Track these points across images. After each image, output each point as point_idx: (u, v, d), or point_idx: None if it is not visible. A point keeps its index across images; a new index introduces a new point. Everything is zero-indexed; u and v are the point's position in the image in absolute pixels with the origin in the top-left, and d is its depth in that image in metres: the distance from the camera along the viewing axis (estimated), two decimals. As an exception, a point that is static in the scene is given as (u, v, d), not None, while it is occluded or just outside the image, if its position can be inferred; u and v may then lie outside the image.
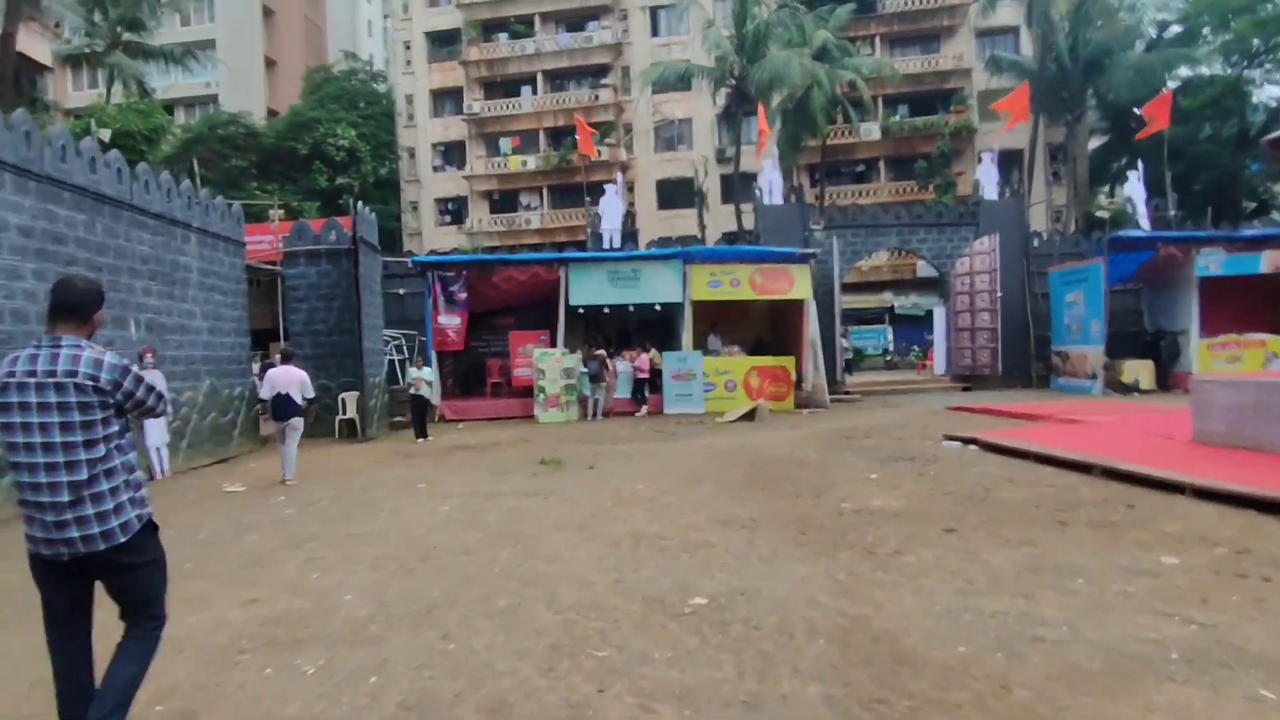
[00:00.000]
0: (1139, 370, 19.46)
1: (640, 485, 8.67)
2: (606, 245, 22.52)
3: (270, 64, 45.84)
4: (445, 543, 6.38)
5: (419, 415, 14.93)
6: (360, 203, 17.45)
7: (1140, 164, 25.37)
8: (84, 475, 2.74)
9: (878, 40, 37.88)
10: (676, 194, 38.28)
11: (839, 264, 21.67)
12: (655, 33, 39.66)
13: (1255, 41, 31.70)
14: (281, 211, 26.82)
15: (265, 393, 10.22)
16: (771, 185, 23.57)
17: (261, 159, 38.04)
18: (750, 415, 16.23)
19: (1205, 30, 33.50)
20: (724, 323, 20.55)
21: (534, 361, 17.97)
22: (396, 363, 17.98)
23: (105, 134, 21.78)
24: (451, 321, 19.17)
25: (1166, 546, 5.48)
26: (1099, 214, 32.25)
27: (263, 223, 22.64)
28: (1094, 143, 36.07)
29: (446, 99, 41.60)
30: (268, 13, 45.85)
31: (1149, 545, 5.54)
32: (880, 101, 36.81)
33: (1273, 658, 3.62)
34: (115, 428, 2.85)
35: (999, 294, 21.41)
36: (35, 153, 9.28)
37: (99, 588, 2.93)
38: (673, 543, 6.11)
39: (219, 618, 4.69)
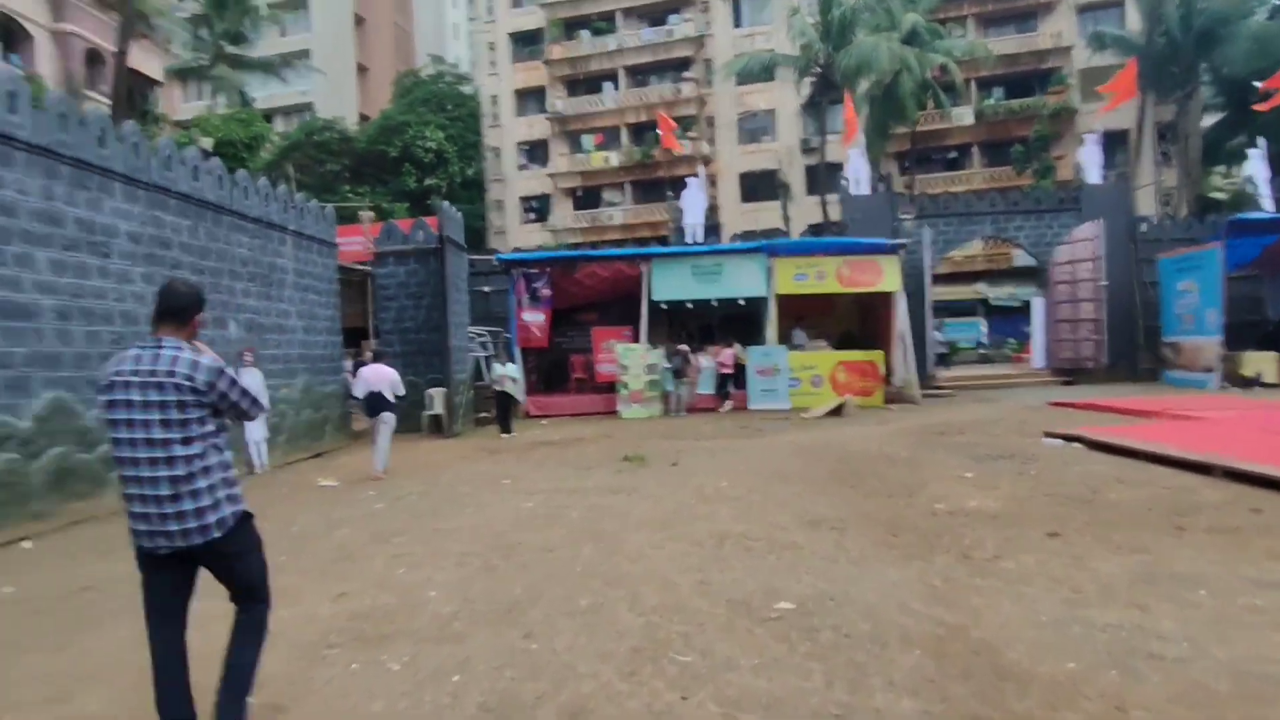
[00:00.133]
0: (1261, 362, 18.05)
1: (724, 482, 8.52)
2: (689, 240, 22.37)
3: (362, 70, 47.49)
4: (528, 539, 6.39)
5: (504, 411, 15.18)
6: (447, 202, 17.84)
7: (1262, 141, 23.59)
8: (182, 471, 2.85)
9: (970, 20, 36.42)
10: (760, 186, 37.76)
11: (930, 254, 20.89)
12: (738, 23, 39.13)
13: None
14: (372, 213, 27.78)
15: (359, 391, 10.53)
16: (859, 175, 22.95)
17: (354, 163, 39.35)
18: (837, 411, 15.85)
19: (1335, -7, 30.93)
20: (810, 316, 20.13)
21: (617, 357, 18.02)
22: (482, 359, 18.33)
23: (208, 143, 22.95)
24: (535, 318, 19.43)
25: (1301, 556, 5.01)
26: (1214, 196, 30.15)
27: (354, 224, 23.48)
28: (1207, 120, 33.69)
29: (530, 98, 42.17)
30: (359, 21, 47.60)
31: (1279, 555, 5.08)
32: (973, 84, 35.27)
33: None
34: (211, 427, 2.97)
35: (1104, 283, 20.24)
36: (143, 162, 9.80)
37: (201, 578, 3.05)
38: (758, 543, 5.95)
39: (309, 612, 4.79)
